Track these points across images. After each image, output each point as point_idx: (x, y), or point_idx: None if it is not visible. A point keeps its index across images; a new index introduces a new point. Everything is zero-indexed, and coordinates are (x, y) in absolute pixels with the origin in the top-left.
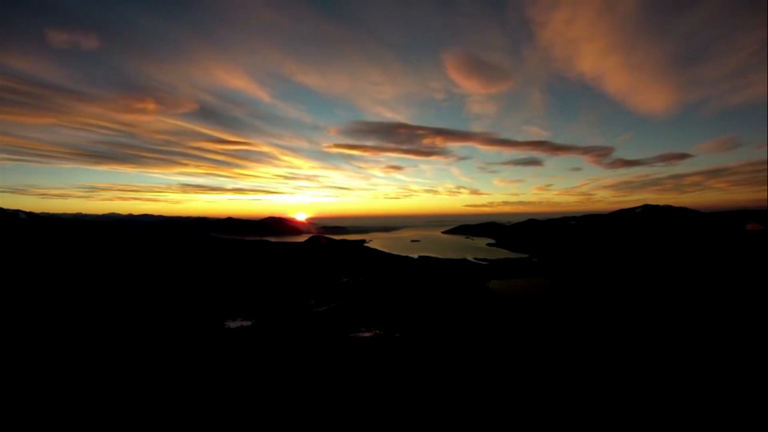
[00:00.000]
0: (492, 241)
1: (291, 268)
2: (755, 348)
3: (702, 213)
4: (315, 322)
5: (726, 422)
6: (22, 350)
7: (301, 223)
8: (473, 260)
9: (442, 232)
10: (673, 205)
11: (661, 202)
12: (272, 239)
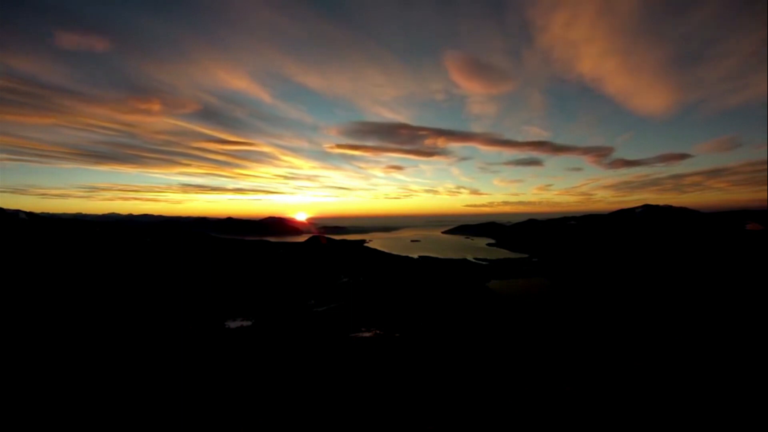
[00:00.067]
0: (492, 241)
1: (291, 268)
2: (755, 348)
3: (702, 213)
4: (315, 322)
5: (726, 422)
6: (22, 350)
7: (301, 223)
8: (473, 260)
9: (442, 232)
10: (673, 205)
11: (661, 202)
12: (272, 239)
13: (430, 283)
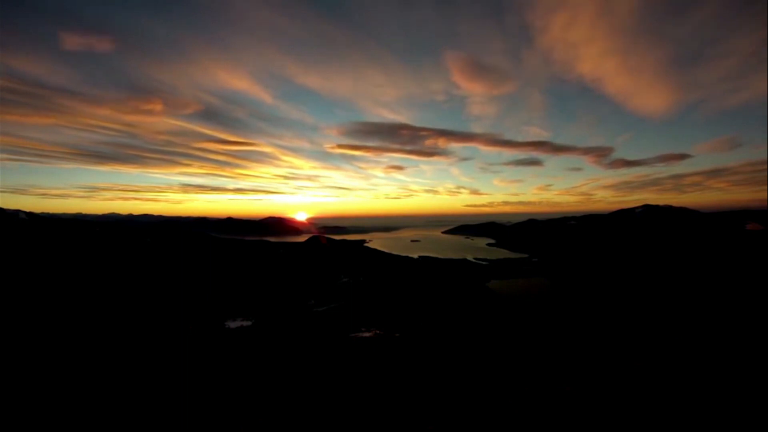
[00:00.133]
0: (492, 241)
1: (291, 268)
2: (755, 348)
3: (702, 213)
4: (315, 322)
5: (726, 422)
6: (22, 350)
7: (301, 223)
8: (473, 260)
9: (442, 232)
10: (673, 205)
11: (661, 202)
12: (272, 239)
13: (430, 283)
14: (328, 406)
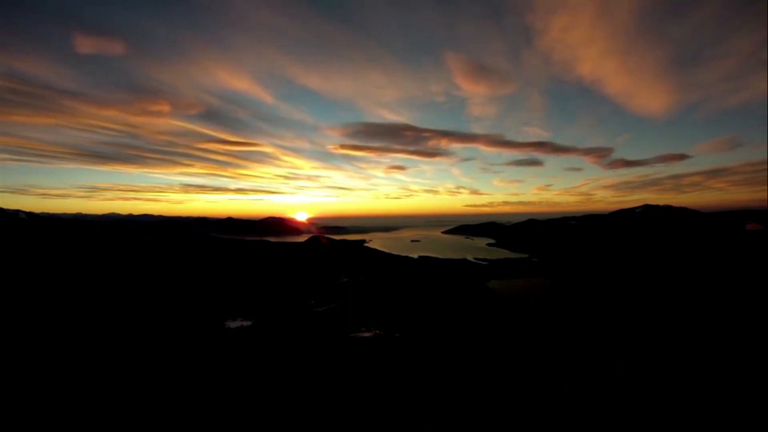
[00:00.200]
0: (492, 241)
1: (291, 268)
2: (755, 348)
3: (702, 213)
4: (315, 322)
5: (726, 422)
6: (22, 350)
7: (302, 223)
8: (473, 260)
9: (442, 232)
10: (673, 205)
11: (660, 202)
12: (272, 239)
13: (430, 283)
14: (328, 406)
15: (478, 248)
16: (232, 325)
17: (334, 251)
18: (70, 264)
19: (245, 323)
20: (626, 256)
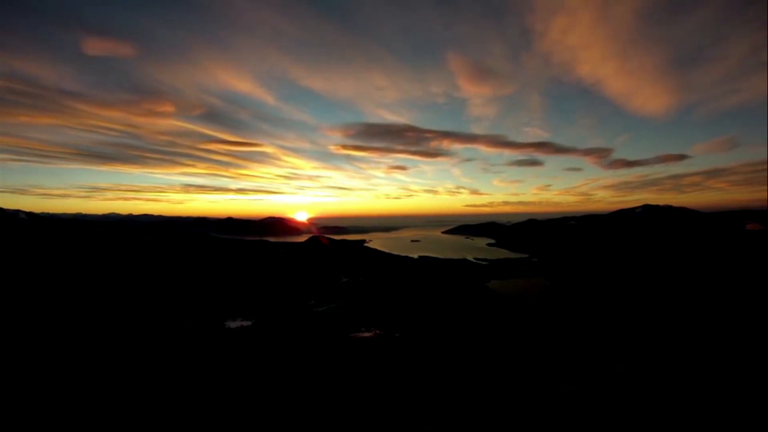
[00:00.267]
0: (492, 241)
1: (291, 268)
2: (755, 348)
3: (702, 213)
4: (315, 322)
5: (726, 422)
6: (22, 350)
7: (302, 223)
8: (473, 260)
9: (442, 232)
10: (673, 205)
11: (660, 202)
12: (272, 239)
13: (430, 283)
14: (328, 406)
15: (478, 248)
16: (232, 325)
17: (334, 251)
18: (70, 264)
19: (245, 323)
20: (626, 256)
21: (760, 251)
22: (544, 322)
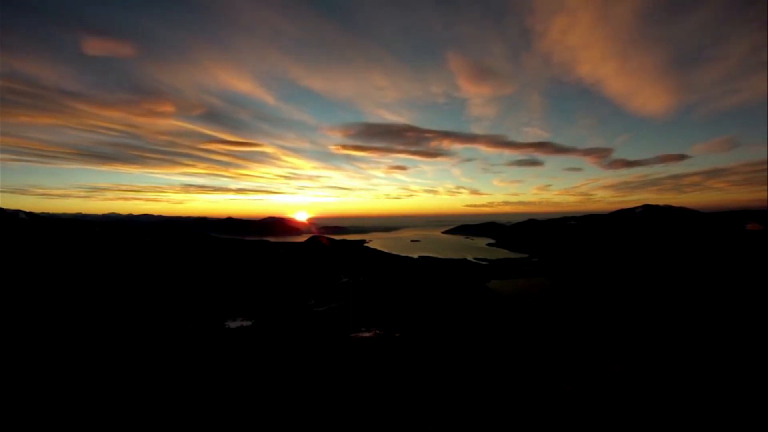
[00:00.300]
0: (492, 241)
1: (291, 269)
2: (755, 348)
3: (702, 213)
4: (315, 322)
5: (726, 422)
6: (22, 350)
7: (302, 223)
8: (473, 260)
9: (442, 232)
10: (673, 205)
11: (660, 202)
12: (272, 239)
13: (430, 283)
14: (328, 406)
15: (478, 248)
16: (232, 325)
17: (334, 251)
18: (69, 264)
19: (245, 323)
20: (626, 256)
21: (760, 251)
22: (544, 322)
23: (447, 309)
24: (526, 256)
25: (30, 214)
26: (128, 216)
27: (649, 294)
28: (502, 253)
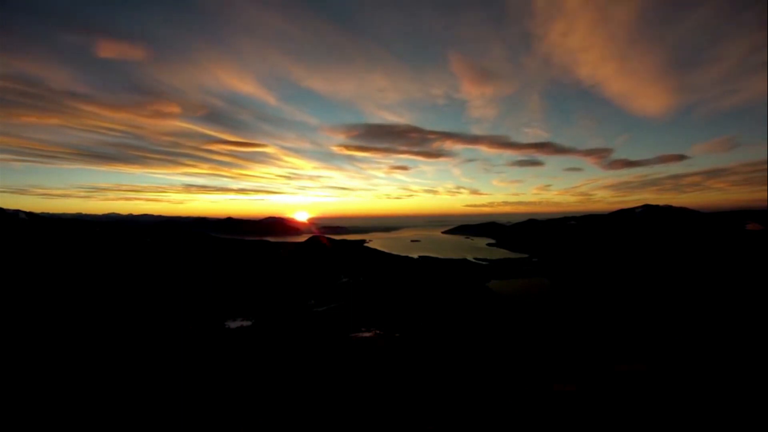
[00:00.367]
0: (492, 241)
1: (291, 268)
2: (755, 347)
3: (702, 213)
4: (315, 322)
5: (726, 421)
6: (23, 349)
7: (302, 223)
8: (473, 260)
9: (442, 232)
10: (673, 205)
11: (660, 202)
12: (272, 239)
13: (430, 283)
14: (328, 405)
15: (478, 248)
16: (232, 325)
17: (335, 251)
18: (69, 264)
19: (245, 323)
20: (626, 256)
21: (760, 251)
22: (544, 322)
23: (447, 309)
24: (526, 256)
25: (30, 214)
26: (128, 216)
27: (650, 294)
28: (502, 253)
